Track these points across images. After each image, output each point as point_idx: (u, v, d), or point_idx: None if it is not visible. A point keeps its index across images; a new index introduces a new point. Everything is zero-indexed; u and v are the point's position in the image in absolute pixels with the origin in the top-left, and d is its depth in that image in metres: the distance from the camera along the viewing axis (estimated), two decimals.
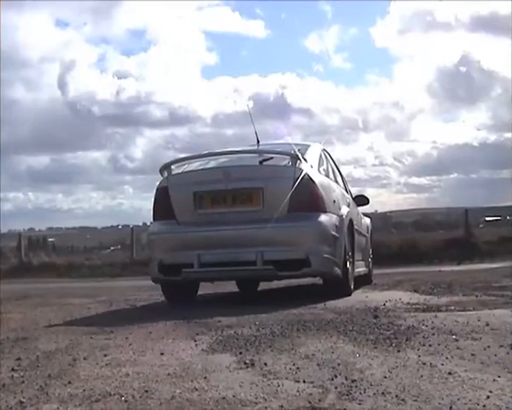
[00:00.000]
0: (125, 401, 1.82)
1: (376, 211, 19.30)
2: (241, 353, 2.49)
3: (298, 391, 1.88)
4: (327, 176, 5.12)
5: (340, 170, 6.15)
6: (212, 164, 4.91)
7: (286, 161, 4.59)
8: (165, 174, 4.68)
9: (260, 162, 4.45)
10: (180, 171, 4.67)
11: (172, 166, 4.69)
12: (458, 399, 1.75)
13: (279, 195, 4.40)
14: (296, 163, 4.48)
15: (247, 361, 2.30)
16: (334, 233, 4.52)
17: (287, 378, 2.05)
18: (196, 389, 1.92)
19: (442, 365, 2.18)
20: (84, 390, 1.94)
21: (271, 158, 4.59)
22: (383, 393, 1.83)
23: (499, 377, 1.99)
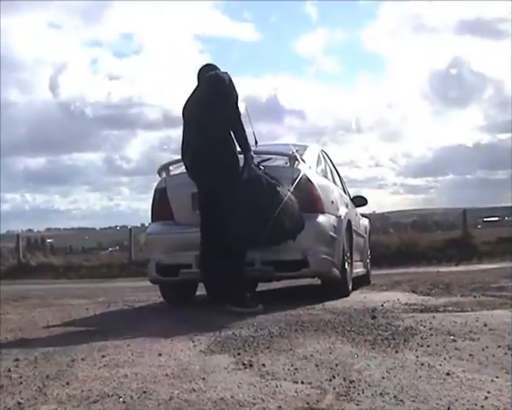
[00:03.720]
0: (123, 401, 1.82)
1: (374, 212, 19.33)
2: (239, 354, 2.49)
3: (296, 392, 1.88)
4: (325, 177, 5.12)
5: (338, 171, 6.15)
6: None
7: (284, 161, 4.59)
8: (164, 175, 4.68)
9: (258, 164, 4.45)
10: (178, 172, 4.66)
11: (170, 167, 4.68)
12: (456, 399, 1.76)
13: None
14: (294, 164, 4.48)
15: (246, 362, 2.30)
16: (332, 234, 4.52)
17: (285, 379, 2.05)
18: (194, 390, 1.92)
19: (440, 365, 2.18)
20: (82, 391, 1.94)
21: (269, 159, 4.58)
22: (381, 394, 1.83)
23: (497, 377, 1.99)
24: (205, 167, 4.01)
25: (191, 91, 4.25)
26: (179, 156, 4.33)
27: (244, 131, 4.11)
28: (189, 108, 4.18)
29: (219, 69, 4.22)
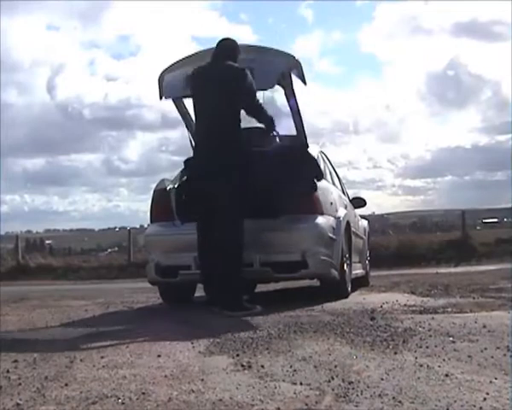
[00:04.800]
0: (122, 403, 1.82)
1: (373, 213, 19.36)
2: (238, 355, 2.49)
3: (295, 393, 1.88)
4: (324, 178, 5.12)
5: (337, 172, 6.15)
6: None
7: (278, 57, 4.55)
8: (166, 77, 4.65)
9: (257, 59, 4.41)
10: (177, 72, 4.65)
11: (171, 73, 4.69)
12: (455, 401, 1.76)
13: None
14: (288, 61, 4.47)
15: (244, 363, 2.30)
16: (331, 235, 4.52)
17: (284, 380, 2.05)
18: (193, 391, 1.92)
19: (439, 367, 2.18)
20: (80, 392, 1.94)
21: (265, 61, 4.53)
22: (380, 395, 1.83)
23: (496, 378, 1.99)
24: (214, 167, 3.97)
25: (206, 62, 4.13)
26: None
27: (267, 115, 4.21)
28: (202, 92, 4.11)
29: (237, 44, 4.15)
